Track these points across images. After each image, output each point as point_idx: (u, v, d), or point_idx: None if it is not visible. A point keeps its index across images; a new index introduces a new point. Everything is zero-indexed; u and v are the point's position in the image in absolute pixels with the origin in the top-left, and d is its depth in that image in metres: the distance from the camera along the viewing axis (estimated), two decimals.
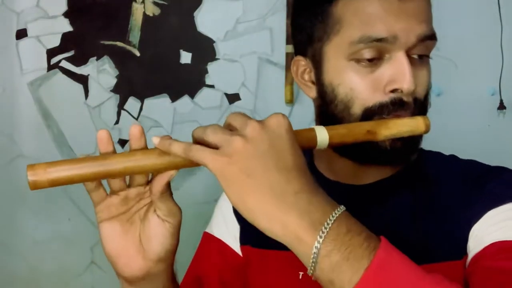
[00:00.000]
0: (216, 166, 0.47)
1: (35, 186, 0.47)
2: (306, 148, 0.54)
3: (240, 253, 0.73)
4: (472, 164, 0.67)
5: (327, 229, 0.44)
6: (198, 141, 0.50)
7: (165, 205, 0.55)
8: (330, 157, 0.68)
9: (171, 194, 0.56)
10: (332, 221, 0.45)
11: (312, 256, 0.44)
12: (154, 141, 0.51)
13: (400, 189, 0.65)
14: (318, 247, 0.44)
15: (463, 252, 0.59)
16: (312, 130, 0.54)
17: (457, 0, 1.41)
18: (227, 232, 0.74)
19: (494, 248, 0.55)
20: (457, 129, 1.42)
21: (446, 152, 0.70)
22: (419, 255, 0.59)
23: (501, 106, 1.42)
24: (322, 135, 0.54)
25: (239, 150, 0.46)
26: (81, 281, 1.52)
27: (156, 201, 0.55)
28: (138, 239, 0.57)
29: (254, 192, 0.46)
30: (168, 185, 0.53)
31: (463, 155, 0.69)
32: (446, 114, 1.41)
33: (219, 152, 0.47)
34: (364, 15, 0.59)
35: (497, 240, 0.55)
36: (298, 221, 0.45)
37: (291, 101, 1.47)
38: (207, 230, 0.78)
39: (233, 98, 1.51)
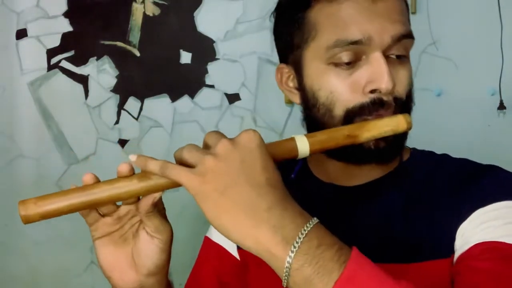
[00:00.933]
0: (190, 184, 0.48)
1: (27, 220, 0.51)
2: (288, 159, 0.55)
3: (238, 256, 0.74)
4: (463, 163, 0.67)
5: (299, 243, 0.45)
6: (178, 161, 0.51)
7: (152, 223, 0.56)
8: (322, 159, 0.69)
9: (161, 211, 0.58)
10: (304, 235, 0.46)
11: (284, 270, 0.45)
12: (131, 158, 0.52)
13: (392, 189, 0.66)
14: (290, 261, 0.45)
15: (451, 250, 0.60)
16: (292, 139, 0.55)
17: (457, 0, 1.41)
18: None
19: (478, 248, 0.56)
20: (457, 129, 1.42)
21: (447, 153, 0.70)
22: (409, 253, 0.61)
23: (501, 106, 1.41)
24: (302, 143, 0.55)
25: (211, 168, 0.48)
26: (81, 281, 1.52)
27: (143, 219, 0.56)
28: (130, 254, 0.59)
29: (227, 210, 0.47)
30: (154, 204, 0.55)
31: (463, 155, 0.69)
32: (446, 114, 1.41)
33: (193, 171, 0.48)
34: (338, 19, 0.60)
35: (482, 241, 0.56)
36: (271, 236, 0.46)
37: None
38: (207, 235, 0.79)
39: (233, 98, 1.51)
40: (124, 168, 0.52)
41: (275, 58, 1.49)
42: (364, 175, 0.67)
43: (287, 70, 0.69)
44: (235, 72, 1.51)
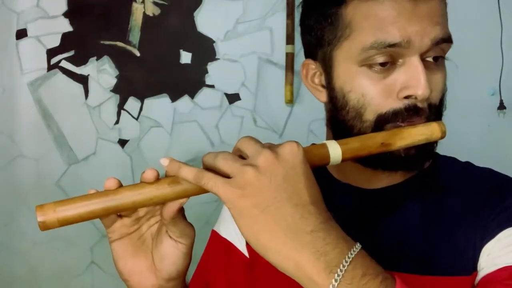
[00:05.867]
0: (228, 197, 0.45)
1: (45, 227, 0.47)
2: (318, 166, 0.52)
3: (246, 253, 0.72)
4: (488, 174, 0.65)
5: (343, 272, 0.43)
6: (208, 168, 0.48)
7: (177, 228, 0.54)
8: None
9: (183, 214, 0.55)
10: (348, 263, 0.44)
11: None
12: (163, 163, 0.50)
13: (412, 196, 0.63)
14: None
15: (473, 268, 0.57)
16: (324, 146, 0.52)
17: (457, 0, 1.41)
18: (234, 232, 0.73)
19: (506, 272, 0.53)
20: (457, 129, 1.41)
21: (446, 153, 0.70)
22: (427, 266, 0.58)
23: (501, 106, 1.42)
24: (335, 151, 0.52)
25: (252, 182, 0.45)
26: (81, 281, 1.52)
27: (167, 225, 0.54)
28: (150, 257, 0.57)
29: (267, 229, 0.45)
30: (179, 210, 0.52)
31: (463, 155, 0.69)
32: (446, 114, 1.41)
33: (231, 183, 0.45)
34: (376, 19, 0.56)
35: (510, 264, 0.54)
36: (313, 262, 0.44)
37: (291, 101, 1.47)
38: (215, 228, 0.77)
39: (233, 98, 1.51)
40: (150, 175, 0.50)
41: (275, 58, 1.50)
42: (385, 179, 0.64)
43: (313, 66, 0.65)
44: (235, 72, 1.51)
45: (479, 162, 0.68)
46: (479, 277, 0.56)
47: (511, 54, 1.40)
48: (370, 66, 0.58)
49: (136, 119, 1.52)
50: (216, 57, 1.51)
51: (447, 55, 0.63)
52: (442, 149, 0.70)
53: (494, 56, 1.41)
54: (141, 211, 0.55)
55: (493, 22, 1.40)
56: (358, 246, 0.46)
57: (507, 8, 1.40)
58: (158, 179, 0.50)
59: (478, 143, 1.42)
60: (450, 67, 1.54)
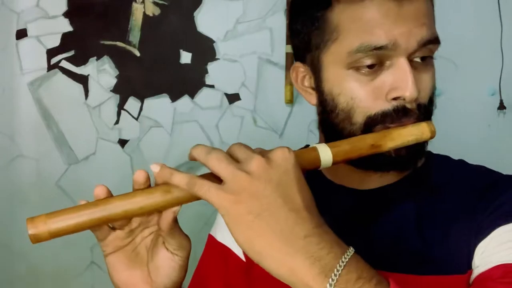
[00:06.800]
0: (221, 203, 0.45)
1: (36, 239, 0.47)
2: (309, 169, 0.52)
3: (242, 257, 0.72)
4: (482, 172, 0.65)
5: (337, 276, 0.43)
6: (194, 160, 0.49)
7: (175, 240, 0.54)
8: None
9: (178, 226, 0.55)
10: (342, 267, 0.44)
11: None
12: (154, 169, 0.49)
13: (406, 195, 0.64)
14: None
15: (468, 267, 0.58)
16: (314, 149, 0.53)
17: (457, 0, 1.41)
18: (229, 236, 0.72)
19: (500, 270, 0.54)
20: (457, 129, 1.42)
21: (447, 153, 0.70)
22: (422, 265, 0.58)
23: (501, 106, 1.42)
24: (325, 154, 0.53)
25: (246, 188, 0.45)
26: (81, 281, 1.52)
27: (165, 236, 0.54)
28: (145, 270, 0.56)
29: (261, 235, 0.45)
30: (175, 219, 0.52)
31: (463, 155, 0.69)
32: (446, 114, 1.41)
33: (224, 189, 0.45)
34: (362, 22, 0.56)
35: (504, 262, 0.54)
36: (308, 267, 0.44)
37: (291, 101, 1.47)
38: (211, 233, 0.77)
39: (233, 98, 1.51)
40: (140, 178, 0.49)
41: (275, 58, 1.50)
42: (378, 179, 0.65)
43: (303, 69, 0.65)
44: (235, 72, 1.51)
45: (479, 162, 0.67)
46: (474, 275, 0.57)
47: (511, 54, 1.40)
48: (357, 68, 0.58)
49: (136, 119, 1.52)
50: (216, 57, 1.51)
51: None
52: (441, 149, 0.70)
53: (494, 56, 1.41)
54: (134, 223, 0.54)
55: (493, 22, 1.40)
56: (351, 250, 0.46)
57: (507, 8, 1.40)
58: (149, 186, 0.50)
59: (478, 143, 1.42)
60: (450, 67, 1.54)
